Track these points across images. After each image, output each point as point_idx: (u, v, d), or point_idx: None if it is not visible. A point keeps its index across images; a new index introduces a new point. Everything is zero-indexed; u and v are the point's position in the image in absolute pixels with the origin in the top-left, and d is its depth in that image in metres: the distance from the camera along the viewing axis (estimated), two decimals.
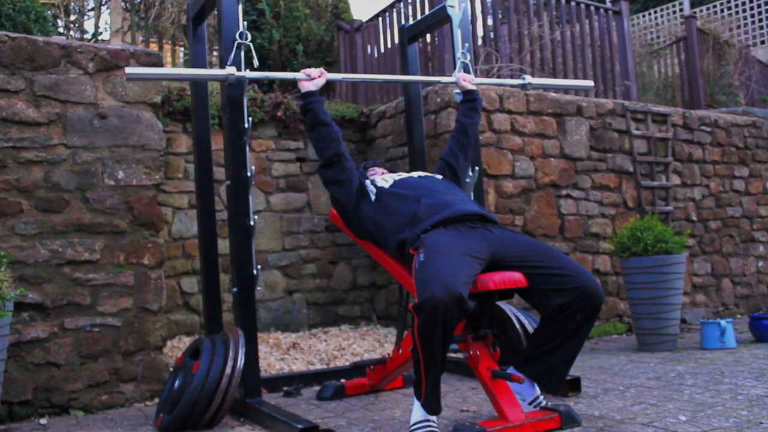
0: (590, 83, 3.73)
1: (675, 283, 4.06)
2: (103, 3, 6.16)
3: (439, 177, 2.86)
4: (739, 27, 9.46)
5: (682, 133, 5.43)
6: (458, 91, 3.25)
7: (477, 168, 3.47)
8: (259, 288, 2.94)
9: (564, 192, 4.77)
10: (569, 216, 4.77)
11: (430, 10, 5.15)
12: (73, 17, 6.04)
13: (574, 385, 2.94)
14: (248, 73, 2.85)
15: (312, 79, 2.86)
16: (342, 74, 3.22)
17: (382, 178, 2.85)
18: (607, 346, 4.38)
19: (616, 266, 4.85)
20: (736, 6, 9.93)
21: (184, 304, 4.43)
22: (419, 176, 2.86)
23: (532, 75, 5.51)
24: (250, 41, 2.91)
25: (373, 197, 2.75)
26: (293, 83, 6.49)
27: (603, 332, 4.78)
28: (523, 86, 3.45)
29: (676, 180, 5.33)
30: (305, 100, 2.80)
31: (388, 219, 2.61)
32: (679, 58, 7.65)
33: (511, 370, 2.43)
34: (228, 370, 2.54)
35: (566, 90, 5.61)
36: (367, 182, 2.84)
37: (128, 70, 2.58)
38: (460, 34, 3.54)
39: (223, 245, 3.50)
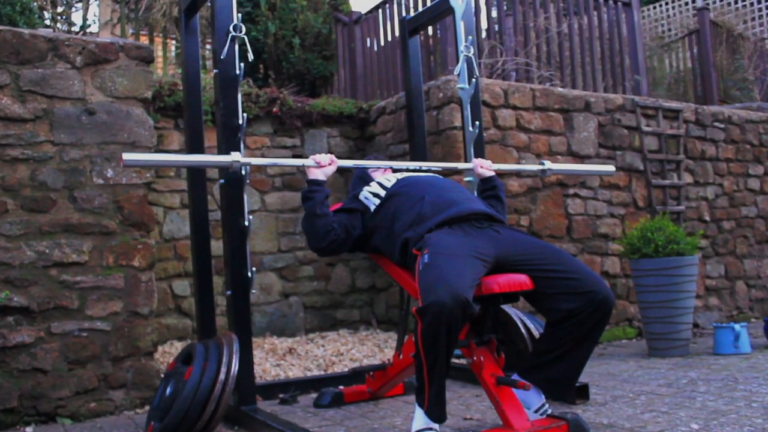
0: (611, 168, 3.65)
1: (687, 286, 4.06)
2: None
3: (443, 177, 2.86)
4: (753, 19, 9.46)
5: (695, 130, 5.43)
6: (472, 178, 3.18)
7: None
8: (253, 291, 2.94)
9: (571, 191, 4.77)
10: (577, 216, 4.77)
11: (432, 1, 5.15)
12: (60, 9, 6.04)
13: (582, 393, 2.94)
14: (253, 160, 2.82)
15: (321, 166, 2.78)
16: (354, 161, 3.16)
17: (385, 178, 2.85)
18: (617, 351, 4.38)
19: (626, 268, 4.85)
20: None
21: (175, 308, 4.43)
22: (423, 174, 2.86)
23: (538, 69, 5.52)
24: (244, 34, 2.91)
25: (373, 207, 2.74)
26: (289, 78, 6.50)
27: (612, 337, 4.78)
28: (543, 172, 3.32)
29: (688, 178, 5.33)
30: (309, 186, 2.75)
31: (396, 224, 2.60)
32: (692, 51, 7.65)
33: (516, 376, 2.43)
34: (221, 376, 2.53)
35: (573, 84, 5.62)
36: (365, 193, 2.82)
37: (125, 156, 2.48)
38: (463, 26, 3.54)
39: (217, 246, 3.51)
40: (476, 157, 3.45)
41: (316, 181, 2.75)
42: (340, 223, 2.72)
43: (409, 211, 2.57)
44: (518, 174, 4.52)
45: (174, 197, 4.49)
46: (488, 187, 3.01)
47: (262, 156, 4.84)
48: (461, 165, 3.30)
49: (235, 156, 2.69)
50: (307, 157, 5.02)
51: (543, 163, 3.31)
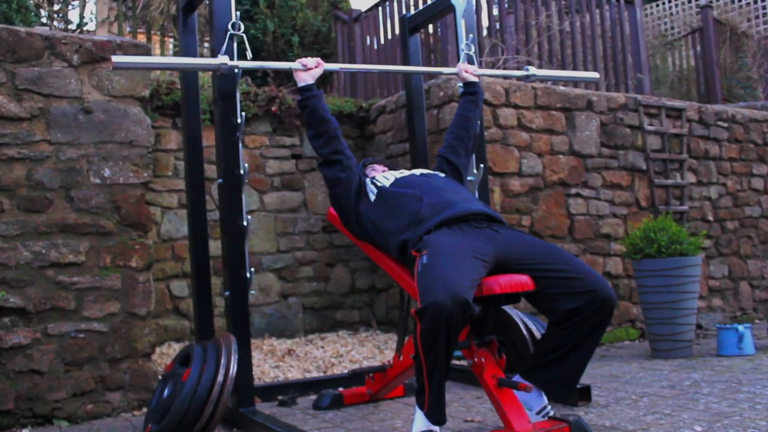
0: (596, 75, 3.73)
1: (690, 287, 4.06)
2: None
3: (442, 175, 2.86)
4: (757, 17, 9.45)
5: (698, 129, 5.43)
6: (461, 84, 3.23)
7: (482, 166, 3.47)
8: (252, 292, 2.94)
9: (573, 191, 4.76)
10: (579, 216, 4.77)
11: None
12: (56, 7, 6.04)
13: (585, 394, 2.95)
14: (241, 63, 2.86)
15: (308, 69, 2.84)
16: (339, 64, 3.17)
17: (383, 176, 2.84)
18: (619, 352, 4.38)
19: (628, 269, 4.85)
20: None
21: (173, 309, 4.43)
22: (421, 174, 2.86)
23: (540, 68, 5.51)
24: (243, 32, 2.91)
25: (372, 197, 2.74)
26: (289, 76, 6.49)
27: (614, 338, 4.78)
28: (527, 77, 3.44)
29: (691, 178, 5.33)
30: (302, 94, 2.79)
31: (389, 220, 2.60)
32: (695, 49, 7.65)
33: (517, 378, 2.43)
34: (220, 378, 2.53)
35: (575, 83, 5.62)
36: (367, 181, 2.83)
37: (115, 58, 2.58)
38: (464, 24, 3.54)
39: (215, 247, 3.50)
40: (477, 156, 3.45)
41: (307, 86, 2.81)
42: (348, 153, 2.76)
43: (408, 212, 2.57)
44: (520, 174, 4.52)
45: (172, 197, 4.49)
46: (470, 91, 3.15)
47: (261, 155, 4.84)
48: (446, 69, 3.39)
49: (222, 58, 2.75)
50: (306, 157, 5.05)
51: (527, 69, 3.43)
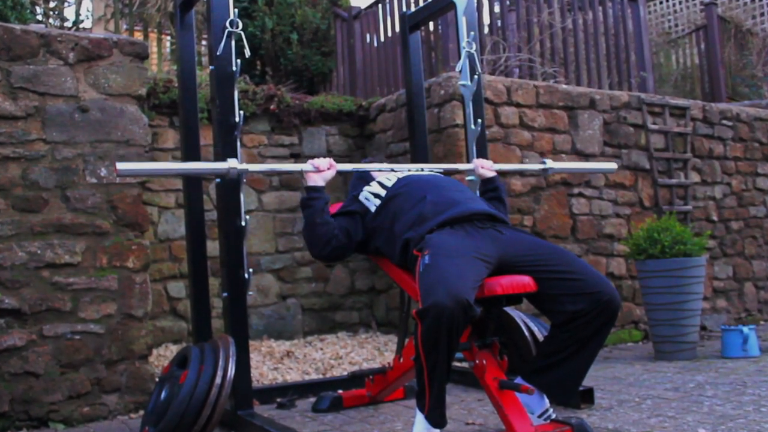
0: (614, 165, 3.61)
1: (694, 288, 4.06)
2: None
3: (447, 176, 2.86)
4: (762, 14, 9.45)
5: (702, 128, 5.43)
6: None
7: None
8: (250, 293, 2.94)
9: (576, 190, 4.76)
10: (581, 216, 4.77)
11: None
12: (52, 4, 6.04)
13: (587, 397, 2.94)
14: (251, 166, 2.84)
15: (320, 171, 2.77)
16: (353, 165, 3.06)
17: (386, 178, 2.84)
18: (622, 354, 4.38)
19: (632, 269, 4.85)
20: None
21: (171, 310, 4.43)
22: (424, 173, 2.86)
23: (542, 65, 5.51)
24: (241, 29, 2.91)
25: (374, 208, 2.74)
26: (287, 75, 6.50)
27: (618, 340, 4.78)
28: (544, 171, 3.31)
29: (695, 177, 5.33)
30: (308, 194, 2.74)
31: (396, 224, 2.60)
32: (699, 47, 7.65)
33: (519, 380, 2.43)
34: (217, 380, 2.53)
35: (578, 81, 5.62)
36: (365, 193, 2.82)
37: (119, 165, 2.52)
38: (465, 21, 3.54)
39: (213, 247, 3.51)
40: (479, 155, 3.45)
41: (315, 187, 2.74)
42: (341, 228, 2.71)
43: (410, 212, 2.57)
44: (521, 173, 4.52)
45: (169, 197, 4.49)
46: (490, 188, 2.99)
47: (259, 155, 4.84)
48: (462, 166, 3.30)
49: (231, 162, 2.69)
50: (305, 156, 5.05)
51: (545, 162, 3.32)
